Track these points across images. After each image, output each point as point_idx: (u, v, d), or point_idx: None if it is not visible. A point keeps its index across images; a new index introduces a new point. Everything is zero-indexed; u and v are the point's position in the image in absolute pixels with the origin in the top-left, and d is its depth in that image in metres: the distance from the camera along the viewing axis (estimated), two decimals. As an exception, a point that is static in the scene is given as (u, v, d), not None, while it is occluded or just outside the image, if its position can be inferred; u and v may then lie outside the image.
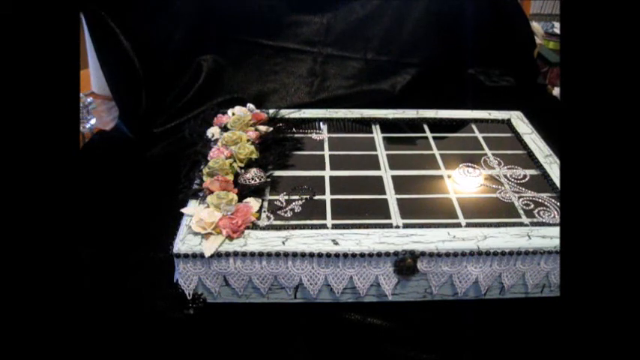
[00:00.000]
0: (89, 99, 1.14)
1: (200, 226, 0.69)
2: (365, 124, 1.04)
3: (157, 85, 1.19)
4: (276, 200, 0.79)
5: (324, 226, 0.73)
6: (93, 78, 1.33)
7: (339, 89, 1.30)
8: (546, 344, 0.69)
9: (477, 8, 1.30)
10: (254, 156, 0.85)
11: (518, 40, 1.37)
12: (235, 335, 0.70)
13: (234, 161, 0.83)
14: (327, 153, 0.93)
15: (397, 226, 0.74)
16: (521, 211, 0.78)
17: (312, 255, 0.68)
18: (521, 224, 0.75)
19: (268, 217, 0.75)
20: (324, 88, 1.29)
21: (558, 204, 0.79)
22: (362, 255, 0.68)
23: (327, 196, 0.80)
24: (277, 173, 0.85)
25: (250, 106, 1.02)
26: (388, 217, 0.76)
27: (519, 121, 1.05)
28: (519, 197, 0.81)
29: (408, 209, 0.78)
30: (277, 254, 0.68)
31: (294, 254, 0.68)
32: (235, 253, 0.68)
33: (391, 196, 0.81)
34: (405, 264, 0.69)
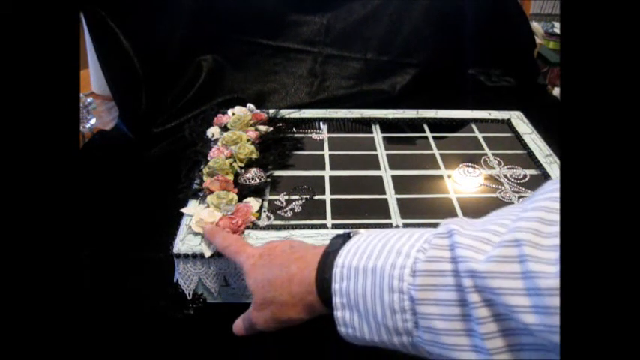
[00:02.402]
0: (89, 99, 1.14)
1: (200, 226, 0.69)
2: (365, 124, 1.04)
3: (157, 85, 1.19)
4: (276, 200, 0.79)
5: (324, 226, 0.73)
6: (93, 78, 1.33)
7: (339, 89, 1.30)
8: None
9: (477, 8, 1.30)
10: (254, 156, 0.85)
11: (518, 40, 1.37)
12: (235, 335, 0.70)
13: (234, 161, 0.83)
14: (327, 153, 0.93)
15: (397, 226, 0.74)
16: (521, 211, 0.78)
17: (312, 255, 0.68)
18: (521, 224, 0.74)
19: (268, 217, 0.75)
20: (324, 88, 1.29)
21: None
22: (362, 255, 0.68)
23: (327, 196, 0.80)
24: (277, 173, 0.85)
25: (250, 106, 1.02)
26: (388, 217, 0.76)
27: (519, 121, 1.05)
28: (519, 197, 0.81)
29: (408, 209, 0.78)
30: (277, 254, 0.68)
31: (294, 254, 0.68)
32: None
33: (391, 196, 0.81)
34: (405, 264, 0.69)
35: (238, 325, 0.58)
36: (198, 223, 0.69)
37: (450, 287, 0.38)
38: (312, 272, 0.48)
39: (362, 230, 0.49)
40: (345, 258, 0.45)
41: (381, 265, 0.42)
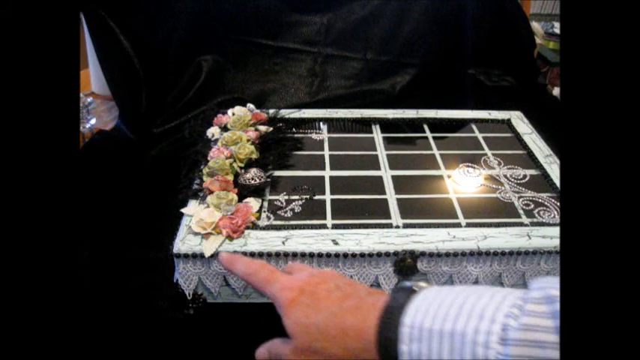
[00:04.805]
0: (89, 99, 1.14)
1: (200, 226, 0.69)
2: (365, 124, 1.04)
3: (157, 85, 1.19)
4: (276, 200, 0.79)
5: (324, 226, 0.73)
6: (93, 78, 1.33)
7: (339, 89, 1.30)
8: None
9: (476, 8, 1.30)
10: (254, 156, 0.85)
11: (518, 40, 1.37)
12: (235, 335, 0.70)
13: (234, 161, 0.83)
14: (327, 153, 0.93)
15: (397, 226, 0.74)
16: (521, 211, 0.78)
17: (312, 255, 0.68)
18: (521, 224, 0.74)
19: (268, 217, 0.75)
20: (324, 88, 1.29)
21: (558, 204, 0.80)
22: (362, 255, 0.68)
23: (327, 196, 0.80)
24: (277, 173, 0.85)
25: (250, 106, 1.02)
26: (388, 217, 0.76)
27: (519, 121, 1.05)
28: (519, 197, 0.81)
29: (408, 209, 0.78)
30: (277, 254, 0.68)
31: (294, 254, 0.68)
32: (235, 253, 0.68)
33: (391, 196, 0.81)
34: (405, 264, 0.69)
35: (263, 356, 0.51)
36: (199, 223, 0.69)
37: None
38: (371, 328, 0.42)
39: (423, 283, 0.44)
40: (414, 317, 0.40)
41: (461, 328, 0.37)
